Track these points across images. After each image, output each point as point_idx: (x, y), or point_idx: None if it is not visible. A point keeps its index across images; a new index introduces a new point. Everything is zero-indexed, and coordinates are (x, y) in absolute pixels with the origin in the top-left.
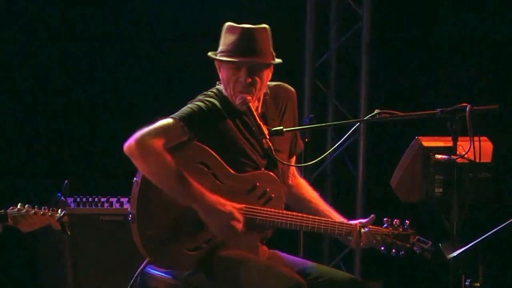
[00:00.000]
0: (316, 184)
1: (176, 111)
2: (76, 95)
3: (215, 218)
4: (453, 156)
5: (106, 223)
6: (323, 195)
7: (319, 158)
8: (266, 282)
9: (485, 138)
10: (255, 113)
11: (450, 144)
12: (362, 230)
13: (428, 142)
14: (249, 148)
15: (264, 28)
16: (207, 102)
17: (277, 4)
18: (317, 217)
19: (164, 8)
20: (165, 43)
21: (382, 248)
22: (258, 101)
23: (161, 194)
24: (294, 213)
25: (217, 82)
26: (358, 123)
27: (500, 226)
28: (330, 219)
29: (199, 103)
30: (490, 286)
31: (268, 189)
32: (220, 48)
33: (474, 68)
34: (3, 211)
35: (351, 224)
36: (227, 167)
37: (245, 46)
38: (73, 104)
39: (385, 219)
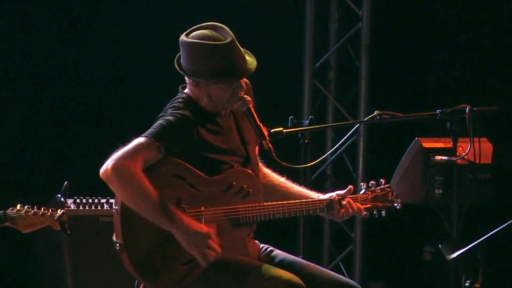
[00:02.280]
0: (316, 185)
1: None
2: (77, 95)
3: (192, 241)
4: (453, 157)
5: (106, 224)
6: None
7: (319, 159)
8: (263, 284)
9: (485, 139)
10: (254, 114)
11: (450, 145)
12: (343, 202)
13: (428, 143)
14: (221, 149)
15: (230, 34)
16: (178, 115)
17: (277, 5)
18: (297, 201)
19: (158, 10)
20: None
21: (365, 213)
22: None
23: (144, 218)
24: (274, 203)
25: (180, 88)
26: (358, 124)
27: (500, 227)
28: (309, 199)
29: (170, 117)
30: (490, 287)
31: (245, 186)
32: (207, 69)
33: (474, 69)
34: (2, 212)
35: (330, 198)
36: (202, 173)
37: (240, 59)
38: (73, 105)
39: (361, 183)
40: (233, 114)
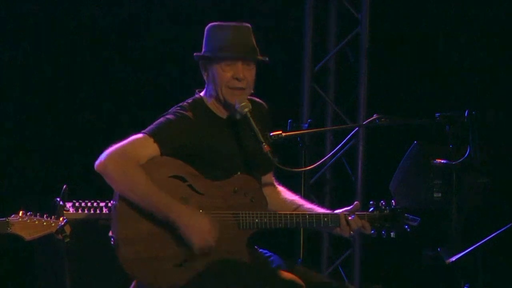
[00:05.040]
0: (315, 189)
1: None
2: (76, 99)
3: (192, 226)
4: (452, 161)
5: (105, 228)
6: (321, 200)
7: (318, 163)
8: (264, 286)
9: (483, 143)
10: (252, 119)
11: (449, 148)
12: (349, 217)
13: (427, 147)
14: (225, 154)
15: (249, 27)
16: (179, 115)
17: (276, 9)
18: (300, 212)
19: (156, 12)
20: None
21: (372, 232)
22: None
23: (141, 214)
24: (278, 212)
25: (196, 91)
26: (357, 128)
27: (499, 231)
28: (314, 212)
29: (170, 116)
30: None
31: (247, 192)
32: (209, 47)
33: (473, 73)
34: (5, 219)
35: (336, 214)
36: (203, 176)
37: (240, 41)
38: (72, 108)
39: (371, 202)
40: (242, 123)
